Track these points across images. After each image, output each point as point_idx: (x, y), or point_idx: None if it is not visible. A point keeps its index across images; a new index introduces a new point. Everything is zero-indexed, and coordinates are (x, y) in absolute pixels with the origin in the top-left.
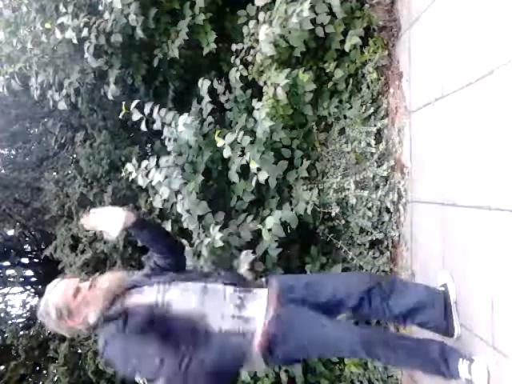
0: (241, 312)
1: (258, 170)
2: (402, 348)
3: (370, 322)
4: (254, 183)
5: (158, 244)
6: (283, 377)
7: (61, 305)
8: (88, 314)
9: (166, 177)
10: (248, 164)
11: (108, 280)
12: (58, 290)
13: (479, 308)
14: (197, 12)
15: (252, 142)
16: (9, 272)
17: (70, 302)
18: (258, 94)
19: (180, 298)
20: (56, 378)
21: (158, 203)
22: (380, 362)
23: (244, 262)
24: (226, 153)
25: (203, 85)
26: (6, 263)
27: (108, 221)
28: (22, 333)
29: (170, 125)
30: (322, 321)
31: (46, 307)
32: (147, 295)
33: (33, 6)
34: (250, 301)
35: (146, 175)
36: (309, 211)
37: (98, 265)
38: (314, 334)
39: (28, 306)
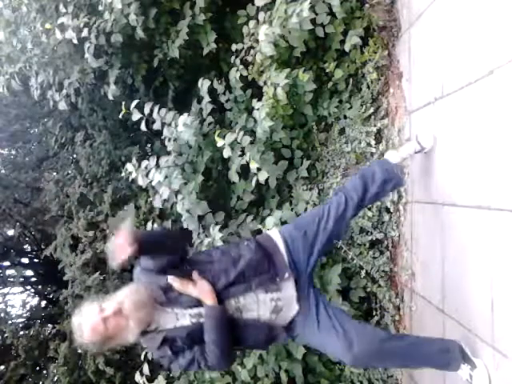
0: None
1: (258, 169)
2: (398, 354)
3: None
4: (253, 183)
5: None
6: (283, 377)
7: (96, 338)
8: (127, 336)
9: (166, 177)
10: (248, 164)
11: (131, 301)
12: (87, 327)
13: (479, 308)
14: (197, 12)
15: (252, 142)
16: (9, 272)
17: (104, 333)
18: (258, 94)
19: None
20: (56, 378)
21: (157, 203)
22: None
23: None
24: (226, 153)
25: (203, 85)
26: (6, 263)
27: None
28: (21, 333)
29: (170, 125)
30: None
31: (86, 343)
32: (181, 320)
33: (33, 6)
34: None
35: (146, 175)
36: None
37: (98, 265)
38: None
39: (28, 306)
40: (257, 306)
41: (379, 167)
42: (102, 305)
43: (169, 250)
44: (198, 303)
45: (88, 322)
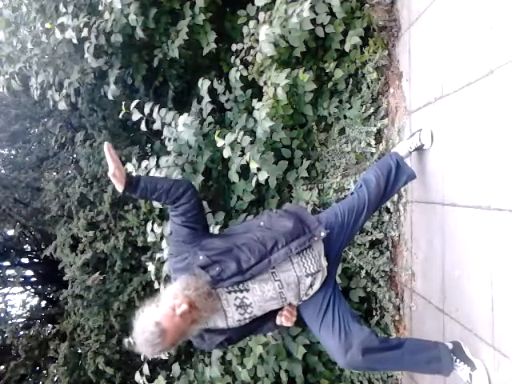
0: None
1: (258, 169)
2: (395, 359)
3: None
4: (253, 183)
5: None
6: (283, 377)
7: (178, 337)
8: (197, 328)
9: (165, 177)
10: (248, 164)
11: (197, 294)
12: (171, 328)
13: (479, 308)
14: (197, 12)
15: (252, 142)
16: (9, 272)
17: (183, 329)
18: (258, 93)
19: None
20: (56, 378)
21: (158, 203)
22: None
23: None
24: (226, 153)
25: (203, 85)
26: (6, 263)
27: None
28: (22, 333)
29: (170, 125)
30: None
31: (163, 347)
32: (229, 315)
33: (33, 5)
34: None
35: (146, 175)
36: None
37: (98, 265)
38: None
39: (28, 306)
40: (297, 267)
41: (393, 162)
42: (169, 304)
43: (166, 194)
44: (242, 285)
45: (170, 322)
